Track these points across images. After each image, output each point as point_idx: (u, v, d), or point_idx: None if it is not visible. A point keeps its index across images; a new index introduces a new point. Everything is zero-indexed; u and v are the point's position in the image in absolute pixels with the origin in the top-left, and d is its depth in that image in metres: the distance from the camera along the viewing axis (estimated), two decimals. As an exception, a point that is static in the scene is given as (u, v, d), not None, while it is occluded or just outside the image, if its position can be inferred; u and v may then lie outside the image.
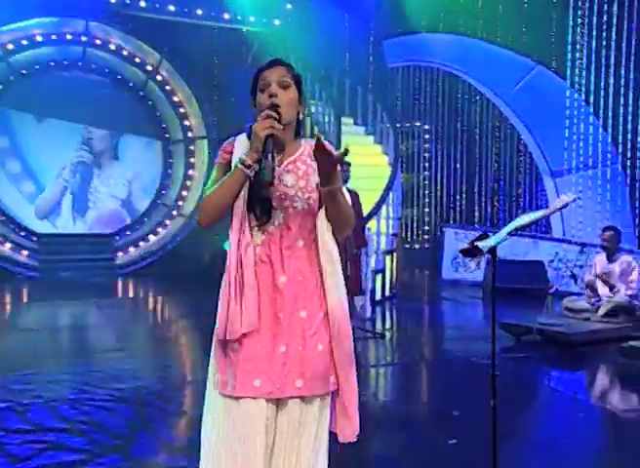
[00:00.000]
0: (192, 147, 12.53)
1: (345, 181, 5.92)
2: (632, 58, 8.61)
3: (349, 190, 5.98)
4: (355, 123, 11.71)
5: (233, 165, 1.85)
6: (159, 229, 12.24)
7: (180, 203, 12.39)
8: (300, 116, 1.94)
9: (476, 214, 10.59)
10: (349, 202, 1.89)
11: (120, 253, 11.80)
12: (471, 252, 2.10)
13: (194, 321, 6.99)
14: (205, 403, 1.92)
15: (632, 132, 8.76)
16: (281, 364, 1.82)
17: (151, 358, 5.48)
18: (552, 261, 9.12)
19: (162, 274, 10.83)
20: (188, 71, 11.93)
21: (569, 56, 9.29)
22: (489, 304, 9.18)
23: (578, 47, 9.12)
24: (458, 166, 11.26)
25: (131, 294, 10.07)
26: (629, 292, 6.28)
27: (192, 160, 12.52)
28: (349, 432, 1.92)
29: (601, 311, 6.18)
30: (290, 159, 1.90)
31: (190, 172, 12.47)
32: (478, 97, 10.64)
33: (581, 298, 6.57)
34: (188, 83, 12.05)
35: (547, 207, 2.07)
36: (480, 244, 2.01)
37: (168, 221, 12.34)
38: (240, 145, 1.89)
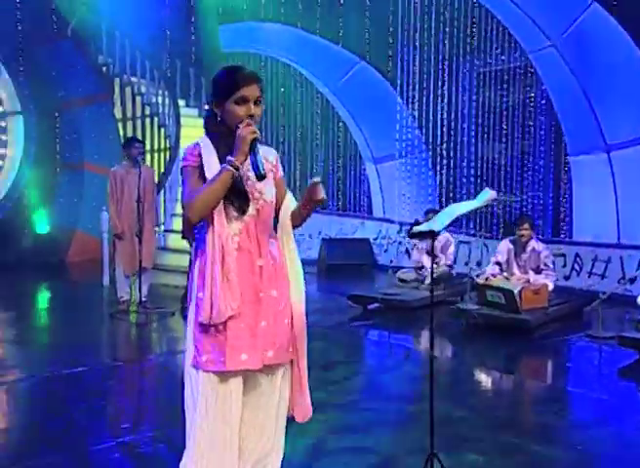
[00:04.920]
0: (4, 123, 11.45)
1: (137, 160, 6.24)
2: (440, 55, 9.89)
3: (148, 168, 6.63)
4: (187, 105, 11.70)
5: (207, 167, 2.04)
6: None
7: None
8: None
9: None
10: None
11: None
12: (420, 234, 2.59)
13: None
14: (186, 386, 2.09)
15: (440, 124, 10.10)
16: (261, 338, 2.08)
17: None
18: (377, 239, 10.20)
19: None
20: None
21: (389, 52, 10.36)
22: (323, 279, 9.88)
23: (397, 44, 10.20)
24: (286, 151, 11.86)
25: None
26: (448, 263, 7.44)
27: (4, 137, 11.44)
28: (305, 407, 2.20)
29: (428, 280, 7.24)
30: None
31: (2, 150, 11.39)
32: (309, 87, 11.34)
33: (410, 270, 7.60)
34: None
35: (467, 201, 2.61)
36: (431, 227, 2.48)
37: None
38: (206, 149, 2.09)
